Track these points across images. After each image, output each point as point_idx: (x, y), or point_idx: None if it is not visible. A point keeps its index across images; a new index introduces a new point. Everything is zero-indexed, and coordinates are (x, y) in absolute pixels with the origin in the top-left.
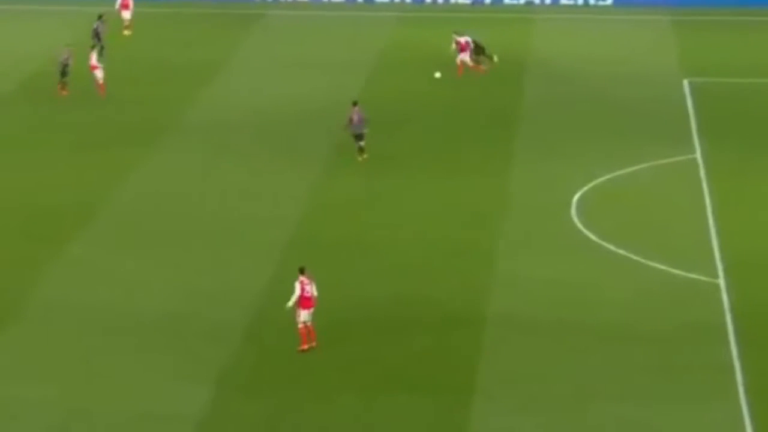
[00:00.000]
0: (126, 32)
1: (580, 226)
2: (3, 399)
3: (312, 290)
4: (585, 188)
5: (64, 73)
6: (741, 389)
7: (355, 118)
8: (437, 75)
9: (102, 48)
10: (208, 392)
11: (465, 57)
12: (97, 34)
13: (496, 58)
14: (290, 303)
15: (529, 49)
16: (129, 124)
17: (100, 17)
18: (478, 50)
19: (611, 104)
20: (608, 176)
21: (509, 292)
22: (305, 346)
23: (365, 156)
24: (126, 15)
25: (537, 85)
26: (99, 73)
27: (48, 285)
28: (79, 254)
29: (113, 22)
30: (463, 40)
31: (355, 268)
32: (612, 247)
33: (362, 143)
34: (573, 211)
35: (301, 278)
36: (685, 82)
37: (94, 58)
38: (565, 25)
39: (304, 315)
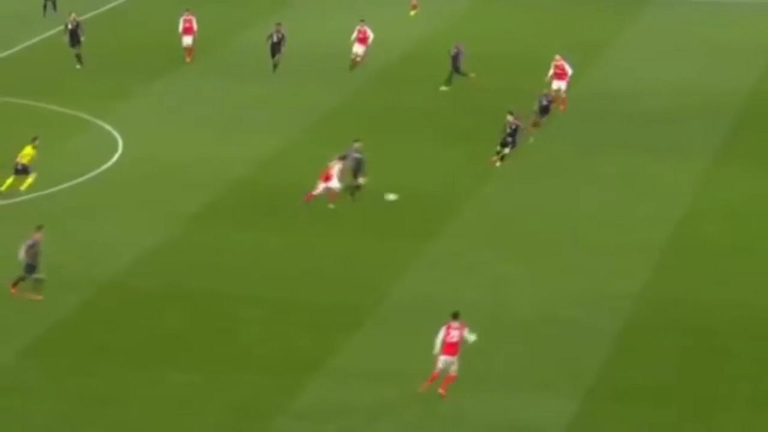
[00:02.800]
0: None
1: None
2: (360, 397)
3: (457, 336)
4: None
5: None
6: None
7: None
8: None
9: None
10: (574, 403)
11: None
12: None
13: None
14: (435, 350)
15: None
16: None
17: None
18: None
19: None
20: None
21: None
22: (425, 385)
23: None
24: None
25: None
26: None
27: (410, 281)
28: (444, 249)
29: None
30: None
31: (738, 273)
32: None
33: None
34: None
35: (451, 323)
36: None
37: None
38: None
39: (441, 361)
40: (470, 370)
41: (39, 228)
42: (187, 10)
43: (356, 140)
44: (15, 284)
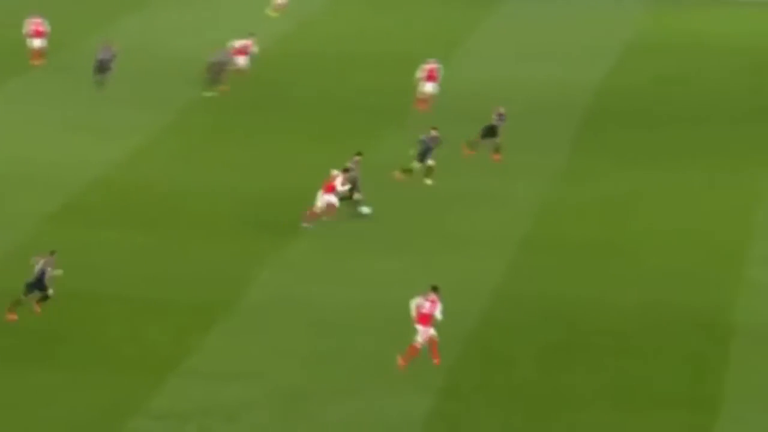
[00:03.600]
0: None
1: None
2: (219, 396)
3: (432, 308)
4: None
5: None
6: None
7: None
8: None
9: None
10: (430, 401)
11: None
12: None
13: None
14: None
15: None
16: (354, 113)
17: None
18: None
19: None
20: None
21: (760, 299)
22: (403, 363)
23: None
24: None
25: None
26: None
27: (269, 280)
28: (303, 247)
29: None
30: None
31: (594, 269)
32: None
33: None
34: None
35: (429, 295)
36: None
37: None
38: None
39: (419, 331)
40: (327, 369)
41: None
42: (35, 13)
43: (358, 153)
44: None
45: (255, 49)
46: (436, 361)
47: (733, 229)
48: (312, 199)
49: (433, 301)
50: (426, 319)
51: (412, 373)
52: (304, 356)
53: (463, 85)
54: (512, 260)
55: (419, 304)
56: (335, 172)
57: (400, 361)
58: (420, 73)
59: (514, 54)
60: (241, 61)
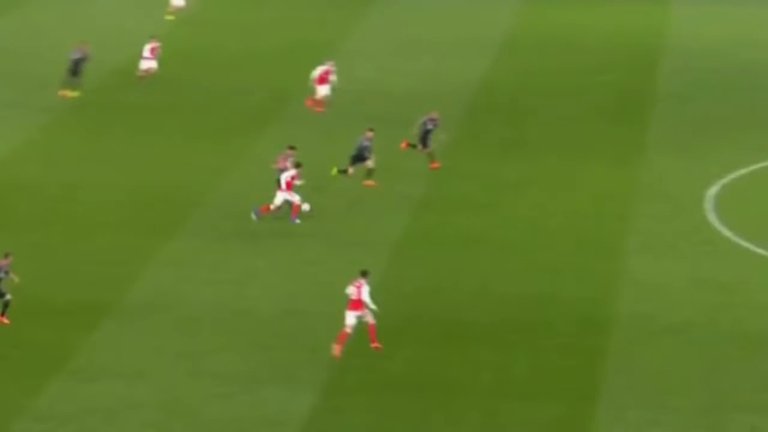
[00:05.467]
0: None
1: (715, 222)
2: (100, 396)
3: (360, 293)
4: (721, 182)
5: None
6: None
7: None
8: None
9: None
10: (315, 396)
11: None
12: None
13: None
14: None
15: (661, 32)
16: (236, 111)
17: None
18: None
19: (749, 91)
20: (747, 170)
21: (639, 292)
22: (338, 348)
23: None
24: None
25: (673, 71)
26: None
27: (151, 278)
28: (185, 245)
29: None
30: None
31: (481, 264)
32: (750, 246)
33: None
34: (708, 206)
35: (358, 280)
36: None
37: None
38: (700, 6)
39: (349, 316)
40: (208, 367)
41: None
42: None
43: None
44: None
45: (160, 51)
46: (375, 345)
47: (608, 223)
48: (193, 197)
49: (359, 286)
50: (356, 305)
51: (294, 369)
52: (186, 354)
53: (350, 84)
54: (391, 257)
55: (350, 291)
56: (290, 170)
57: (335, 349)
58: (315, 74)
59: (393, 50)
60: (151, 63)
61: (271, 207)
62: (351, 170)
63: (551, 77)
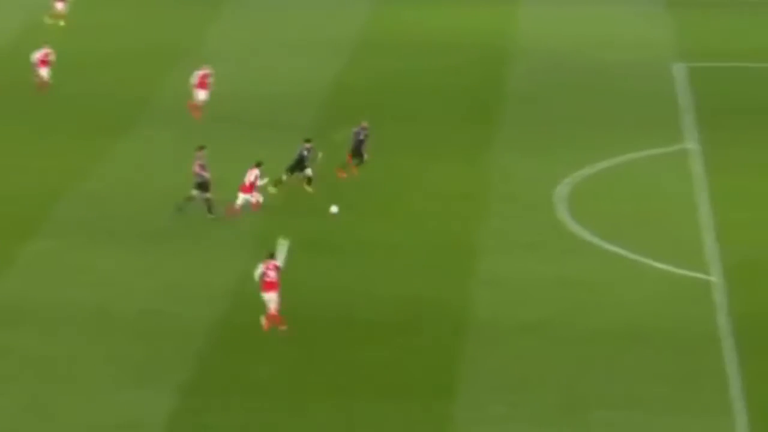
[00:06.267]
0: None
1: (565, 219)
2: None
3: (273, 275)
4: (569, 181)
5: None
6: (741, 397)
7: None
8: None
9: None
10: (174, 398)
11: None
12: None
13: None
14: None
15: (513, 34)
16: (96, 114)
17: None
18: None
19: (599, 91)
20: (595, 168)
21: (493, 291)
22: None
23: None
24: (59, 6)
25: (524, 72)
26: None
27: (7, 284)
28: (43, 248)
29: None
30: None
31: (332, 264)
32: (599, 242)
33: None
34: (557, 204)
35: (269, 262)
36: (680, 67)
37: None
38: (551, 7)
39: (264, 297)
40: (67, 373)
41: None
42: None
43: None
44: None
45: (53, 57)
46: (278, 326)
47: (462, 223)
48: (52, 199)
49: (272, 267)
50: (271, 285)
51: (156, 370)
52: (42, 360)
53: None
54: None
55: (262, 272)
56: (250, 170)
57: (264, 323)
58: (193, 80)
59: (249, 52)
60: (44, 72)
61: (236, 208)
62: (284, 177)
63: (405, 78)
